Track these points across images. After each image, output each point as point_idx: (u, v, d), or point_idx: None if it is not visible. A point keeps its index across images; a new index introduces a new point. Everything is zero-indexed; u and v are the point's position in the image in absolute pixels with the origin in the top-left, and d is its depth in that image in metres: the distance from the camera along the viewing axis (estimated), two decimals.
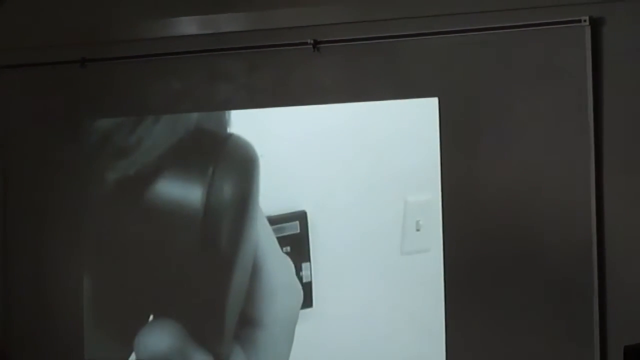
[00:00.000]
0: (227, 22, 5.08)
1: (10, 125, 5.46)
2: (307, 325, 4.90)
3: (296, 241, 4.93)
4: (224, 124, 5.03)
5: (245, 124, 5.01)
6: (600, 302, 4.49)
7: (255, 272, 4.92)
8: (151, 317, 5.11)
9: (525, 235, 4.62)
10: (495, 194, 4.67)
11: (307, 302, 4.92)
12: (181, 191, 4.98)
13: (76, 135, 5.33)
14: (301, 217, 4.92)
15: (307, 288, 4.91)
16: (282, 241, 4.96)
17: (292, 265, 4.93)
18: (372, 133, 4.83)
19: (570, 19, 4.54)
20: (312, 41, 4.92)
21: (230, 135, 5.01)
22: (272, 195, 4.96)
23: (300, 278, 4.92)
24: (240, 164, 4.98)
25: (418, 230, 4.75)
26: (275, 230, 4.95)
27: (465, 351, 4.69)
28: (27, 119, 5.43)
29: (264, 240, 4.93)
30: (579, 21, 4.53)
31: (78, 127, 5.32)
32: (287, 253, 4.95)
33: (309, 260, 4.91)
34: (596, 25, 4.53)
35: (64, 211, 5.33)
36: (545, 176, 4.59)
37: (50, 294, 5.35)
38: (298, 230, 4.92)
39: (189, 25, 5.15)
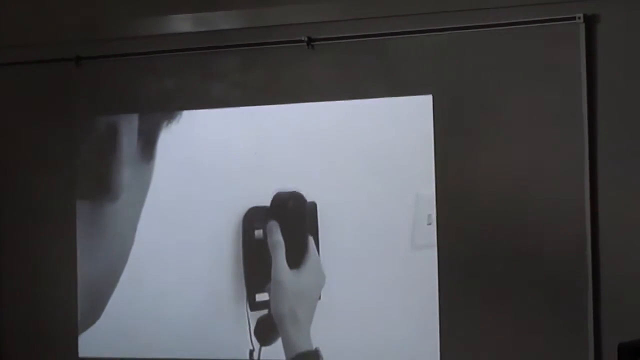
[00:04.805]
0: (222, 20, 5.07)
1: (5, 124, 5.46)
2: (315, 318, 4.88)
3: None
4: None
5: (239, 121, 5.01)
6: (594, 299, 4.49)
7: None
8: None
9: (519, 232, 4.61)
10: (489, 191, 4.67)
11: None
12: None
13: (72, 134, 5.32)
14: (310, 209, 4.91)
15: None
16: None
17: None
18: (368, 130, 4.82)
19: (564, 16, 4.54)
20: (306, 38, 4.92)
21: None
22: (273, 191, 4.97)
23: None
24: None
25: (429, 224, 4.74)
26: None
27: (459, 345, 4.70)
28: (22, 117, 5.42)
29: None
30: (574, 18, 4.52)
31: (73, 125, 5.32)
32: None
33: (317, 253, 4.90)
34: (590, 22, 4.52)
35: (58, 209, 5.33)
36: (539, 174, 4.58)
37: (43, 291, 5.35)
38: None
39: (183, 23, 5.14)
